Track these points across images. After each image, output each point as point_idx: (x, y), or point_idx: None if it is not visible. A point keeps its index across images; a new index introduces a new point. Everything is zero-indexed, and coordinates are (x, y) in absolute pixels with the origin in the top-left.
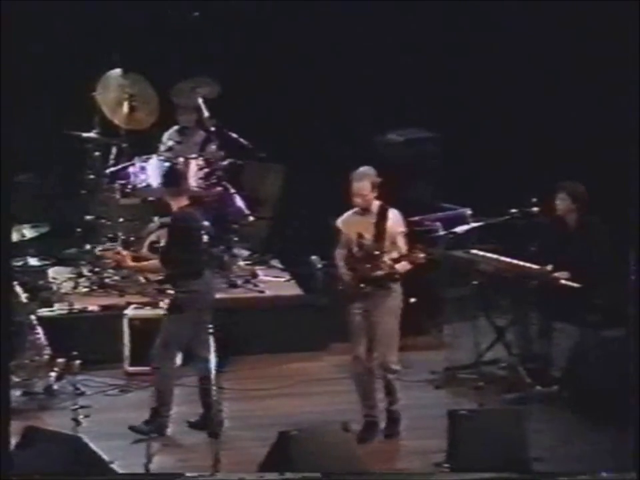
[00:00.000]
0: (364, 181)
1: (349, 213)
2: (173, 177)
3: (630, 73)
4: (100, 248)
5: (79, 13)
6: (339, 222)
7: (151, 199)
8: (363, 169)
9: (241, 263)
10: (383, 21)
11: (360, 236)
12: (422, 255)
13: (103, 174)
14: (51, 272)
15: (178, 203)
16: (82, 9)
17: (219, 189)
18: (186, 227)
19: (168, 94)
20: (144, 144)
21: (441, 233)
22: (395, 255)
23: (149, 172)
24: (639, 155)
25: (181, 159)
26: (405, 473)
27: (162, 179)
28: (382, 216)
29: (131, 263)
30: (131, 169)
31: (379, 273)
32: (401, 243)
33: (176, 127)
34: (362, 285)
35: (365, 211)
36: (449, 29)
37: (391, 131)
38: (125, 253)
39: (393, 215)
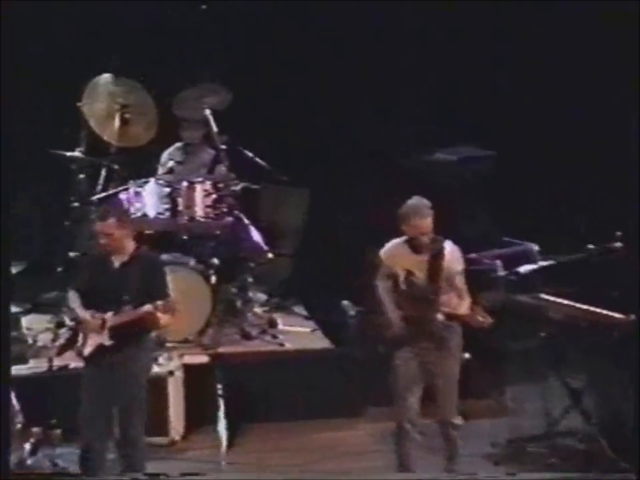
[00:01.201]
0: (428, 217)
1: (396, 243)
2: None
3: None
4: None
5: (62, 6)
6: (384, 253)
7: (148, 231)
8: (421, 201)
9: (257, 309)
10: (425, 33)
11: (410, 273)
12: (484, 319)
13: (90, 201)
14: (25, 321)
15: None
16: (65, 3)
17: (230, 219)
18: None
19: (169, 104)
20: (139, 165)
21: (502, 273)
22: (453, 301)
23: (146, 199)
24: None
25: (184, 183)
26: None
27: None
28: (438, 251)
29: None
30: (123, 195)
31: (433, 318)
32: (460, 283)
33: (178, 144)
34: (413, 327)
35: (418, 244)
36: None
37: (440, 148)
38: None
39: (451, 251)
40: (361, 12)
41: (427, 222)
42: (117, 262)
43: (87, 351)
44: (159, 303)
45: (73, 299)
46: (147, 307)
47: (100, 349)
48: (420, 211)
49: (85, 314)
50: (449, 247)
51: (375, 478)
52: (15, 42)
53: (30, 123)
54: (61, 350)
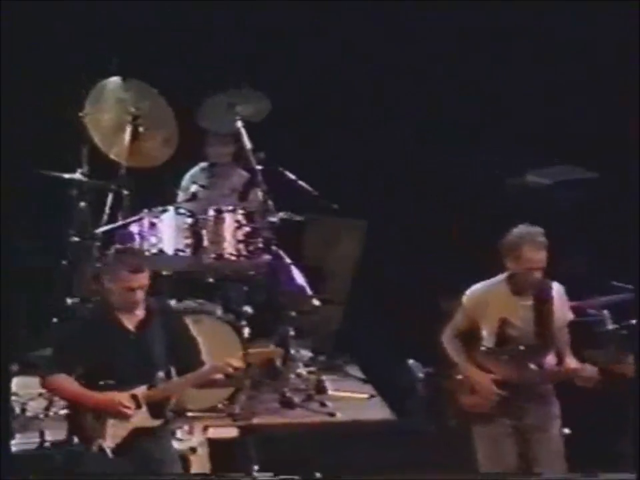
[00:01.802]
0: (543, 248)
1: (491, 283)
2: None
3: None
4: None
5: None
6: (471, 297)
7: (166, 272)
8: (534, 228)
9: (301, 370)
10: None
11: (505, 322)
12: (593, 377)
13: (93, 235)
14: (14, 384)
15: None
16: None
17: (267, 257)
18: None
19: (192, 114)
20: (154, 190)
21: (610, 326)
22: (551, 361)
23: (163, 232)
24: None
25: (211, 213)
26: None
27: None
28: (544, 294)
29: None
30: (134, 228)
31: (536, 382)
32: (565, 337)
33: (203, 165)
34: (504, 392)
35: (523, 284)
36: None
37: (530, 170)
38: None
39: (559, 294)
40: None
41: (543, 254)
42: (129, 323)
43: (114, 442)
44: (231, 360)
45: (66, 384)
46: (210, 368)
47: (135, 434)
48: (534, 239)
49: (100, 397)
50: (556, 287)
51: None
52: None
53: (19, 137)
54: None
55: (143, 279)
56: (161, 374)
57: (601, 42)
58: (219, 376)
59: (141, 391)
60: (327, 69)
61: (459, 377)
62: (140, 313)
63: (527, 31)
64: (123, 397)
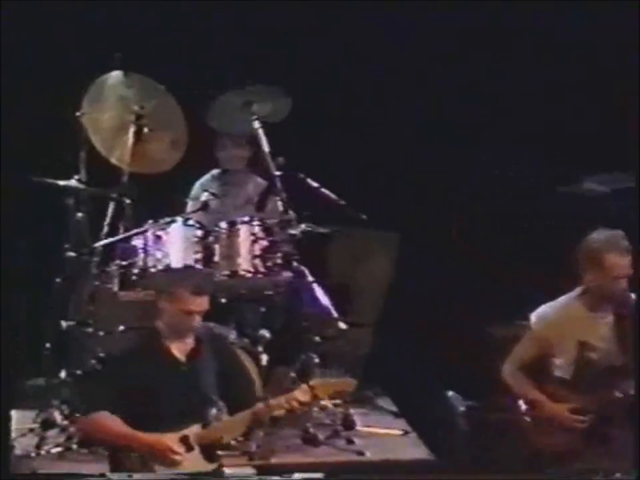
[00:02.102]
0: (628, 254)
1: (563, 301)
2: None
3: None
4: None
5: None
6: (540, 323)
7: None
8: (617, 232)
9: (326, 403)
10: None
11: (584, 346)
12: None
13: (91, 249)
14: None
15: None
16: None
17: (288, 274)
18: None
19: (203, 114)
20: (161, 198)
21: None
22: None
23: (169, 246)
24: None
25: (224, 225)
26: None
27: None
28: (626, 307)
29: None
30: (138, 241)
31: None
32: None
33: (215, 171)
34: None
35: (602, 297)
36: None
37: (589, 176)
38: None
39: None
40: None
41: (628, 260)
42: (179, 352)
43: None
44: (297, 394)
45: (108, 423)
46: (273, 404)
47: None
48: (618, 243)
49: (147, 439)
50: (634, 299)
51: None
52: None
53: (9, 140)
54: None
55: (205, 303)
56: (214, 410)
57: (601, 42)
58: (281, 412)
59: (193, 431)
60: (354, 63)
61: (526, 410)
62: (190, 341)
63: (530, 31)
64: (172, 440)
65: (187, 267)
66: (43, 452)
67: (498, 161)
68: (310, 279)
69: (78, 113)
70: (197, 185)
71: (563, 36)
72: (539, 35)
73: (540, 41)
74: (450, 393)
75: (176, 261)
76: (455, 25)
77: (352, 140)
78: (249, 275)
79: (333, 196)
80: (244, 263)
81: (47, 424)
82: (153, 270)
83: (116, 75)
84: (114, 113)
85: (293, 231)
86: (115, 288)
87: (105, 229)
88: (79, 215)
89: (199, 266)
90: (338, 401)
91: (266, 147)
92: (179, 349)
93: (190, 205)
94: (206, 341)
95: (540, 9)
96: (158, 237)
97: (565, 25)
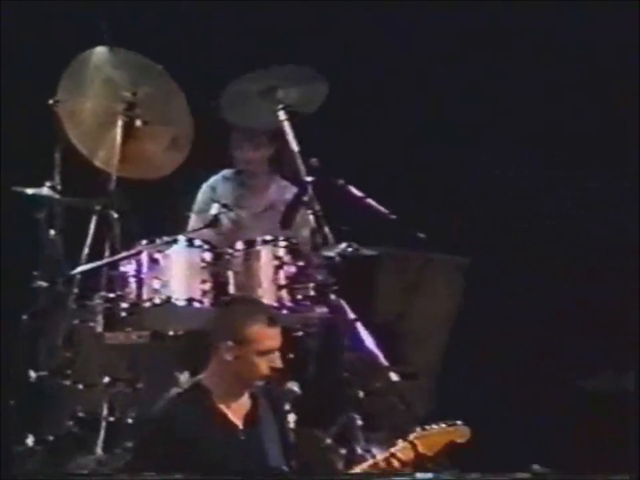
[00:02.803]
0: None
1: None
2: None
3: None
4: None
5: None
6: None
7: (174, 332)
8: None
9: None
10: None
11: None
12: None
13: (68, 277)
14: None
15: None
16: None
17: (322, 309)
18: None
19: (213, 102)
20: (158, 211)
21: None
22: None
23: (170, 272)
24: None
25: (239, 245)
26: None
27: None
28: None
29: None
30: (129, 267)
31: None
32: None
33: (227, 172)
34: None
35: None
36: None
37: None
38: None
39: None
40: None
41: None
42: (235, 417)
43: None
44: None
45: None
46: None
47: None
48: None
49: None
50: None
51: None
52: None
53: None
54: None
55: (279, 336)
56: None
57: (601, 42)
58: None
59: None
60: (354, 63)
61: None
62: (245, 401)
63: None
64: None
65: (240, 297)
66: None
67: (581, 175)
68: (351, 315)
69: (51, 101)
70: (204, 190)
71: (562, 36)
72: (539, 35)
73: (540, 40)
74: (535, 466)
75: (178, 292)
76: (455, 24)
77: (404, 138)
78: (275, 307)
79: (381, 208)
80: (266, 296)
81: None
82: (147, 304)
83: (100, 51)
84: (98, 100)
85: (328, 253)
86: (99, 327)
87: (86, 251)
88: (53, 232)
89: (207, 299)
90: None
91: (294, 145)
92: (233, 413)
93: (195, 220)
94: (262, 401)
95: (540, 9)
96: (154, 262)
97: (565, 25)
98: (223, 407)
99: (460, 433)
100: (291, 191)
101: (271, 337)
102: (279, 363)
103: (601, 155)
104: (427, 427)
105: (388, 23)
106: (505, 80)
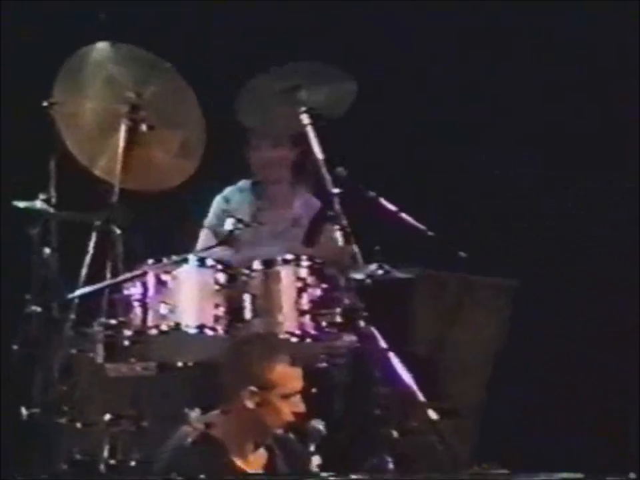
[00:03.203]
0: None
1: None
2: None
3: None
4: None
5: None
6: None
7: (182, 362)
8: None
9: None
10: None
11: None
12: None
13: (64, 301)
14: None
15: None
16: None
17: (350, 338)
18: None
19: (227, 104)
20: (166, 227)
21: None
22: None
23: (179, 296)
24: None
25: (257, 265)
26: None
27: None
28: None
29: None
30: (133, 290)
31: None
32: None
33: (243, 184)
34: None
35: None
36: None
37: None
38: None
39: None
40: None
41: None
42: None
43: None
44: None
45: None
46: None
47: None
48: None
49: None
50: None
51: None
52: None
53: None
54: None
55: (301, 376)
56: None
57: (601, 42)
58: None
59: None
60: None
61: None
62: (262, 454)
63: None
64: None
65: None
66: None
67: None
68: (383, 344)
69: (45, 103)
70: (217, 203)
71: (562, 36)
72: (539, 35)
73: (540, 41)
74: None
75: (188, 318)
76: (455, 25)
77: (440, 145)
78: (294, 339)
79: (416, 224)
80: (287, 322)
81: None
82: (153, 332)
83: (101, 47)
84: (98, 102)
85: (357, 275)
86: (99, 358)
87: (85, 272)
88: (47, 251)
89: (220, 326)
90: None
91: (319, 152)
92: (251, 468)
93: (207, 237)
94: (279, 451)
95: (540, 9)
96: (162, 284)
97: (565, 25)
98: (239, 461)
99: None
100: (317, 206)
101: (295, 377)
102: (302, 407)
103: (601, 155)
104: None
105: (388, 23)
106: (505, 80)
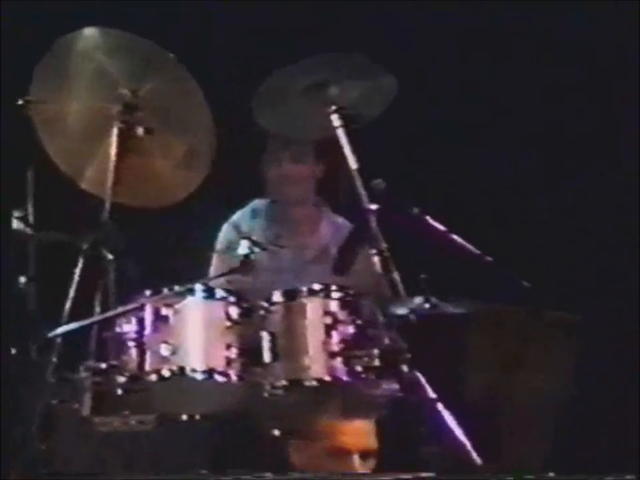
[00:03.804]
0: None
1: None
2: None
3: None
4: None
5: None
6: None
7: (188, 415)
8: None
9: None
10: None
11: None
12: None
13: (44, 341)
14: None
15: None
16: None
17: (392, 386)
18: None
19: (242, 104)
20: (167, 250)
21: None
22: None
23: (184, 333)
24: None
25: (277, 297)
26: None
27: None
28: None
29: None
30: (127, 326)
31: None
32: None
33: (257, 205)
34: None
35: None
36: None
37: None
38: None
39: None
40: None
41: None
42: None
43: None
44: None
45: None
46: None
47: None
48: None
49: None
50: None
51: None
52: None
53: None
54: None
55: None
56: None
57: (601, 42)
58: None
59: None
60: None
61: None
62: None
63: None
64: None
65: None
66: None
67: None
68: (431, 393)
69: (21, 101)
70: (229, 226)
71: (563, 36)
72: (539, 35)
73: (540, 41)
74: None
75: (195, 361)
76: (455, 25)
77: (494, 156)
78: (323, 387)
79: (470, 247)
80: (314, 365)
81: None
82: (152, 378)
83: (89, 34)
84: (85, 100)
85: (399, 310)
86: (86, 410)
87: (69, 306)
88: (23, 280)
89: (233, 371)
90: None
91: (352, 161)
92: None
93: (217, 262)
94: None
95: (540, 9)
96: (162, 319)
97: (565, 24)
98: None
99: None
100: (347, 229)
101: (353, 432)
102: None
103: (601, 155)
104: None
105: (388, 22)
106: (505, 80)
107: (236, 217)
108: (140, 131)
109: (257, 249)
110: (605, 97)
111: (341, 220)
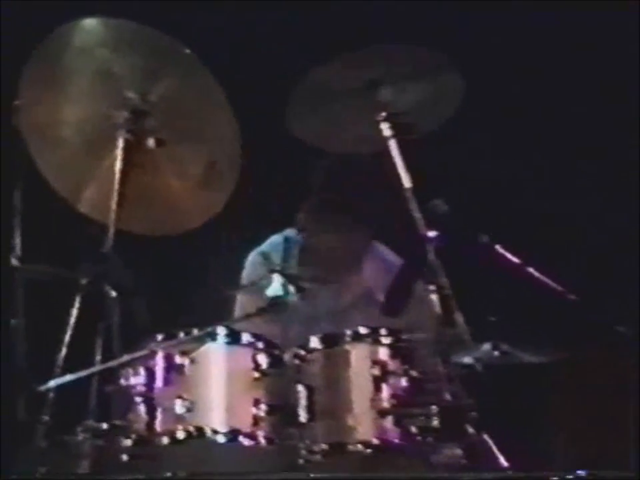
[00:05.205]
0: None
1: None
2: None
3: None
4: None
5: None
6: None
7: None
8: None
9: None
10: None
11: None
12: None
13: (35, 394)
14: None
15: None
16: None
17: (454, 451)
18: None
19: (272, 109)
20: (180, 286)
21: None
22: None
23: (203, 387)
24: None
25: (315, 342)
26: None
27: None
28: None
29: None
30: (134, 379)
31: None
32: None
33: (290, 234)
34: None
35: None
36: None
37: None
38: None
39: None
40: None
41: None
42: None
43: None
44: None
45: None
46: None
47: None
48: None
49: None
50: None
51: None
52: None
53: None
54: None
55: None
56: None
57: (601, 42)
58: None
59: None
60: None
61: None
62: None
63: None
64: None
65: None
66: None
67: None
68: (503, 461)
69: (7, 107)
70: (256, 256)
71: (562, 36)
72: (539, 35)
73: (540, 40)
74: None
75: (216, 421)
76: (455, 24)
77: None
78: (369, 451)
79: (551, 283)
80: (360, 426)
81: None
82: (164, 440)
83: (89, 25)
84: (84, 106)
85: (464, 359)
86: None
87: (64, 352)
88: (13, 322)
89: (262, 432)
90: None
91: (406, 179)
92: None
93: (243, 302)
94: None
95: (540, 9)
96: (176, 369)
97: (565, 24)
98: None
99: None
100: (397, 263)
101: None
102: None
103: (600, 154)
104: None
105: (388, 22)
106: (505, 80)
107: (265, 245)
108: (150, 142)
109: (290, 286)
110: (605, 97)
111: (391, 256)
